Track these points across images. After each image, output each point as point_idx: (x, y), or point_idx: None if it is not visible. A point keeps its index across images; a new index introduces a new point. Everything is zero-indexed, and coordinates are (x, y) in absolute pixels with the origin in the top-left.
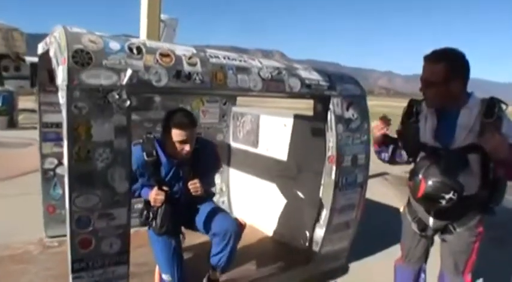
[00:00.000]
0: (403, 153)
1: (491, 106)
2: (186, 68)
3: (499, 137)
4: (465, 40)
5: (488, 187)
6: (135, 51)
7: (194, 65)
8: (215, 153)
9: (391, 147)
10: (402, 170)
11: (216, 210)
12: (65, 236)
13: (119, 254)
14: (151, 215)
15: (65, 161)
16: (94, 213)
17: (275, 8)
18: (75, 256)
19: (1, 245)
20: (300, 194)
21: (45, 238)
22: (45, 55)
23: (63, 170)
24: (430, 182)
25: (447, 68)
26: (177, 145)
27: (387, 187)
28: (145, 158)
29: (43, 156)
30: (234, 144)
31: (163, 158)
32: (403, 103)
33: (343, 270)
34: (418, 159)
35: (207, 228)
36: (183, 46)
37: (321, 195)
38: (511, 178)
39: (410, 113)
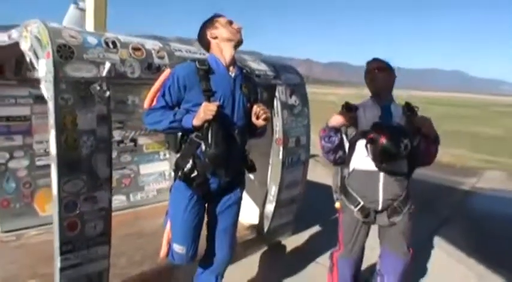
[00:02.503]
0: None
1: (409, 104)
2: (156, 60)
3: (429, 119)
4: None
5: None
6: (111, 45)
7: (162, 58)
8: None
9: (339, 133)
10: None
11: (230, 231)
12: (22, 229)
13: (101, 235)
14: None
15: (53, 149)
16: (80, 197)
17: None
18: (64, 239)
19: None
20: (250, 174)
21: (1, 233)
22: None
23: (17, 164)
24: (388, 135)
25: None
26: (227, 29)
27: (319, 167)
28: (198, 65)
29: None
30: None
31: (220, 67)
32: (322, 89)
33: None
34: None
35: (209, 241)
36: (149, 40)
37: (269, 174)
38: (429, 152)
39: (350, 107)
